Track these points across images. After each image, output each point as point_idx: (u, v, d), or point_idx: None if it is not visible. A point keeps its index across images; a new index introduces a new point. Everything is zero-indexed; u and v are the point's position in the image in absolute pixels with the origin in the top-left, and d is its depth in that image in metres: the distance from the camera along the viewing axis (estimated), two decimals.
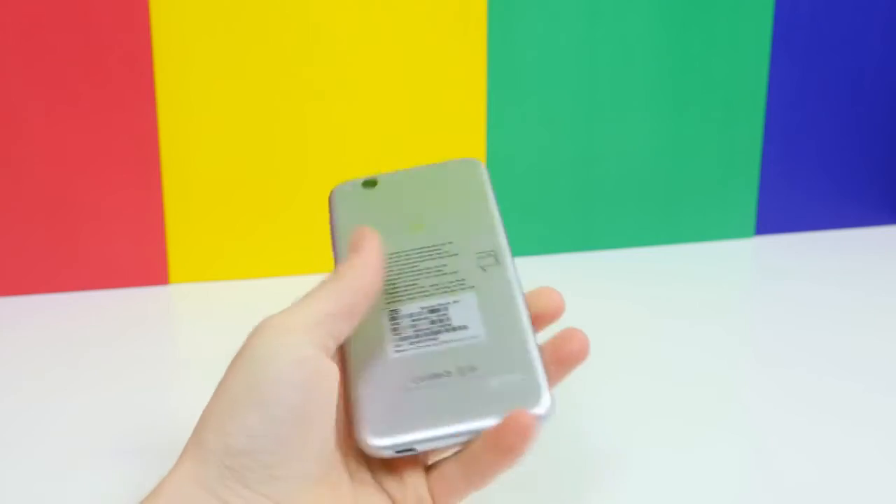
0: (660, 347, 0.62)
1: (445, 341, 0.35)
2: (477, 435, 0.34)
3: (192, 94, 0.71)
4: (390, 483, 0.35)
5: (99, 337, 0.64)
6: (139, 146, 0.71)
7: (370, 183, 0.41)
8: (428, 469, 0.36)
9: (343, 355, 0.36)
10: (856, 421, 0.51)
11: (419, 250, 0.38)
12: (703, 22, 0.82)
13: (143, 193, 0.72)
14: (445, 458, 0.36)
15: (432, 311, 0.36)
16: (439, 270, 0.37)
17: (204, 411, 0.31)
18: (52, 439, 0.49)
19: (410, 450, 0.34)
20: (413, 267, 0.38)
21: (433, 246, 0.38)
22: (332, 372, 0.32)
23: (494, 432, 0.33)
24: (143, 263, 0.73)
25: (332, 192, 0.41)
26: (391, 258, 0.38)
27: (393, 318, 0.36)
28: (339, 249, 0.39)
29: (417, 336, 0.36)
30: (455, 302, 0.36)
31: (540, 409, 0.34)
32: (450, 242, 0.38)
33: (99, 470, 0.46)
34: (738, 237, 0.88)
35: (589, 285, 0.74)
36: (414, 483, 0.35)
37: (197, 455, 0.30)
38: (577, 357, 0.35)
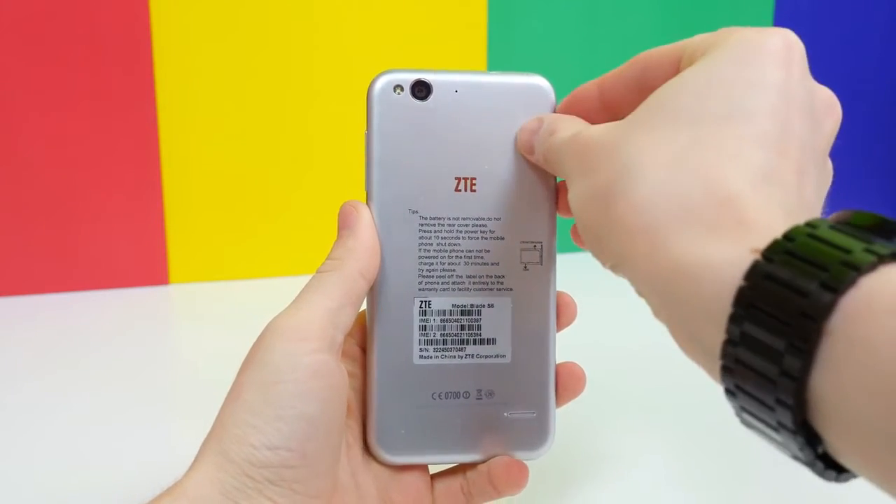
0: (660, 347, 0.62)
1: (471, 355, 0.36)
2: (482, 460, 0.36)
3: (192, 94, 0.71)
4: (394, 487, 0.35)
5: (99, 337, 0.64)
6: (139, 147, 0.71)
7: (421, 90, 0.36)
8: (433, 477, 0.37)
9: (365, 337, 0.36)
10: None
11: (464, 222, 0.35)
12: (702, 22, 0.82)
13: (143, 194, 0.72)
14: (452, 470, 0.37)
15: (465, 312, 0.36)
16: (480, 257, 0.36)
17: (221, 415, 0.31)
18: (52, 439, 0.49)
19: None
20: (454, 245, 0.35)
21: (479, 220, 0.35)
22: (343, 381, 0.33)
23: (489, 470, 0.35)
24: (143, 263, 0.74)
25: (373, 88, 0.36)
26: (431, 224, 0.35)
27: (424, 313, 0.35)
28: (373, 166, 0.35)
29: (445, 342, 0.36)
30: (489, 306, 0.36)
31: (542, 452, 0.36)
32: (497, 218, 0.35)
33: (99, 469, 0.46)
34: None
35: (589, 285, 0.74)
36: (418, 489, 0.36)
37: (218, 462, 0.30)
38: (572, 393, 0.37)
